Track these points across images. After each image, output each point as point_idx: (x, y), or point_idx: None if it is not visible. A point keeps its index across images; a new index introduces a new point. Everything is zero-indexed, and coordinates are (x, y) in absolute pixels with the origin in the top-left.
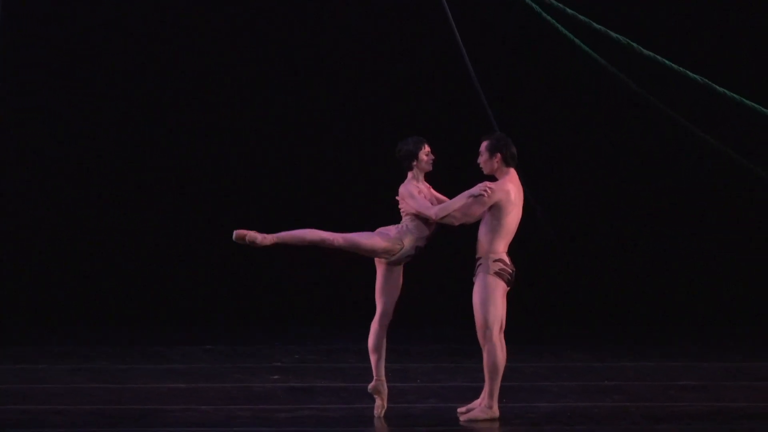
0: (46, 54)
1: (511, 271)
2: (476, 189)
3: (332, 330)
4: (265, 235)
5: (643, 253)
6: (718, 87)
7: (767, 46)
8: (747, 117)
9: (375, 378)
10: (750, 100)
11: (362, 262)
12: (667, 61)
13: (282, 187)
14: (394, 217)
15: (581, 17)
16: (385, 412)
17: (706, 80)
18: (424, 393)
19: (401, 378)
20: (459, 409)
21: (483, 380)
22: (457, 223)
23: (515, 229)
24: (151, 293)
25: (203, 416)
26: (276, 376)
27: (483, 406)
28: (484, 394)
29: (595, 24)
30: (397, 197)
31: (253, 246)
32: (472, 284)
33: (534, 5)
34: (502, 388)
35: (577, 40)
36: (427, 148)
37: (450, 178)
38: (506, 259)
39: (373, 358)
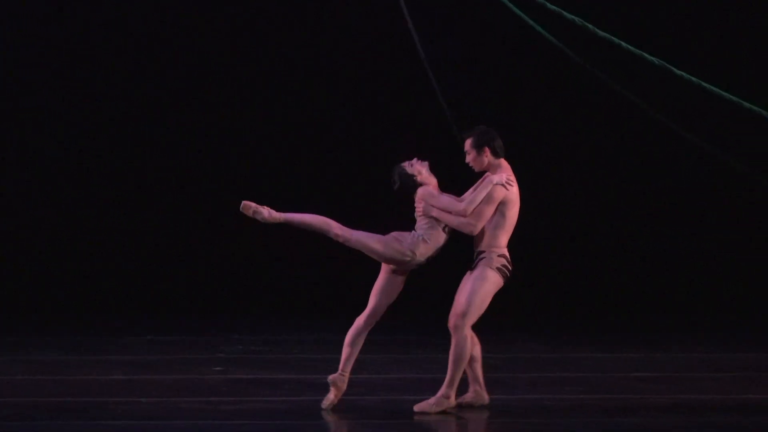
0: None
1: (510, 268)
2: (493, 185)
3: (275, 320)
4: (272, 211)
5: (599, 243)
6: (675, 69)
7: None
8: (707, 101)
9: (339, 371)
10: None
11: (304, 247)
12: (623, 43)
13: (267, 183)
14: (400, 220)
15: None
16: (333, 405)
17: (663, 62)
18: (373, 385)
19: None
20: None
21: (431, 371)
22: (476, 231)
23: (515, 222)
24: (91, 283)
25: (145, 409)
26: (219, 368)
27: (440, 396)
28: (444, 383)
29: (548, 4)
30: (415, 199)
31: (257, 220)
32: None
33: None
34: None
35: (531, 21)
36: (407, 164)
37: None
38: (508, 255)
39: (345, 352)
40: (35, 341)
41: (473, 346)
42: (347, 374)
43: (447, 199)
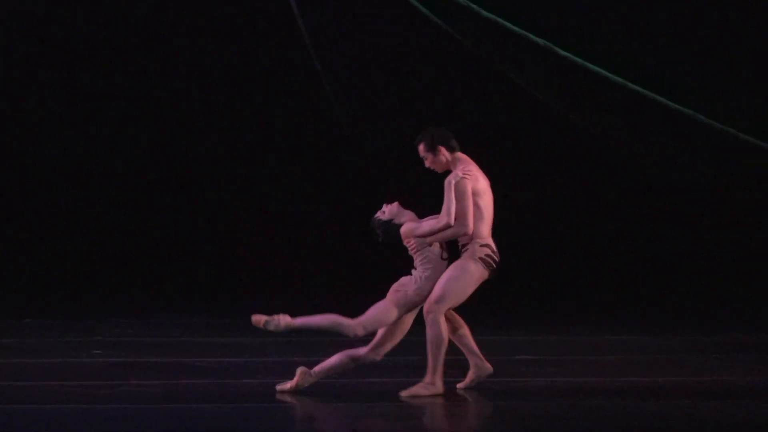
0: None
1: (497, 258)
2: (454, 183)
3: (156, 304)
4: (286, 317)
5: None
6: (560, 50)
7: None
8: (593, 81)
9: (313, 371)
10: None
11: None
12: (508, 24)
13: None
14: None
15: None
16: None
17: (548, 43)
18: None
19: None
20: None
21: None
22: (471, 229)
23: (492, 211)
24: None
25: (20, 392)
26: (98, 351)
27: (426, 383)
28: (428, 370)
29: None
30: (403, 240)
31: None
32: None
33: None
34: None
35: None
36: (380, 213)
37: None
38: (493, 245)
39: (332, 361)
40: None
41: (459, 328)
42: (315, 379)
43: (429, 223)
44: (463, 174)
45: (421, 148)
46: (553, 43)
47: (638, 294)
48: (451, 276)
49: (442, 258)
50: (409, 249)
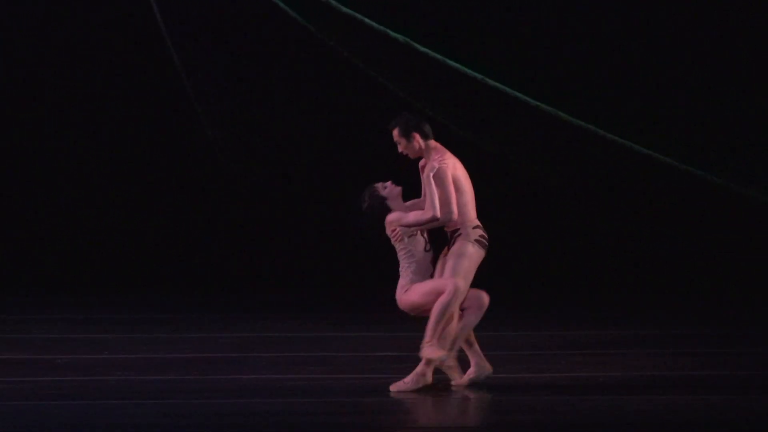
0: None
1: (487, 237)
2: (434, 173)
3: (22, 299)
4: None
5: None
6: (419, 46)
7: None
8: (452, 77)
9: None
10: None
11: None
12: (366, 19)
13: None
14: None
15: None
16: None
17: (408, 39)
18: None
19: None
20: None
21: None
22: (456, 215)
23: (473, 194)
24: None
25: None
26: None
27: (417, 374)
28: (420, 363)
29: None
30: (385, 225)
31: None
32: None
33: None
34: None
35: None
36: (381, 186)
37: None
38: (481, 225)
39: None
40: None
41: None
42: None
43: (415, 214)
44: (440, 163)
45: (395, 133)
46: (412, 39)
47: (642, 289)
48: (456, 260)
49: (425, 250)
50: (392, 238)
